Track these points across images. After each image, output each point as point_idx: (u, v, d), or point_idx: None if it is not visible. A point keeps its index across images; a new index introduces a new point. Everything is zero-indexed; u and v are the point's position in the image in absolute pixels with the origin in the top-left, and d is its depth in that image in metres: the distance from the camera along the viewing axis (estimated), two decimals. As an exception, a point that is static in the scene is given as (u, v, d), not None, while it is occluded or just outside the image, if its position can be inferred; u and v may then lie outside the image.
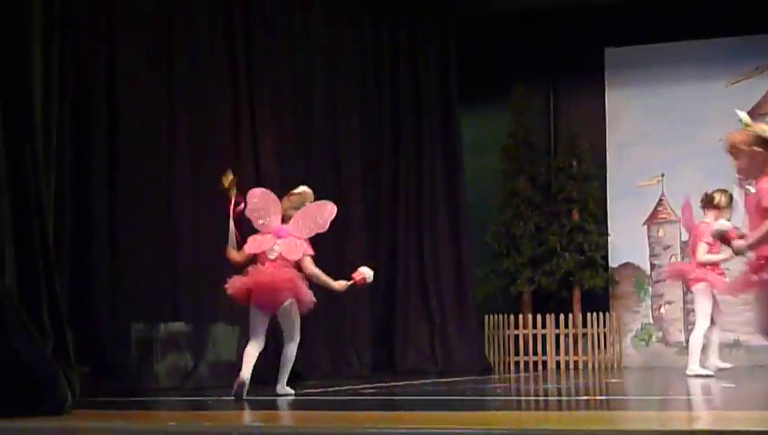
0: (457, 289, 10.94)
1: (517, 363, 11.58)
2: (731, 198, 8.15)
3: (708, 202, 8.61)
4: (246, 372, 6.39)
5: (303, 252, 6.68)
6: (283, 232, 6.62)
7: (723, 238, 5.38)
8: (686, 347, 11.48)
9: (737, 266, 6.28)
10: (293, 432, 4.24)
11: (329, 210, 6.82)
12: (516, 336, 11.68)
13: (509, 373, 10.74)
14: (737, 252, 5.30)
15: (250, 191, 6.77)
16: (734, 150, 5.41)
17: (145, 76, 8.00)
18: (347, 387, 7.29)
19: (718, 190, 8.58)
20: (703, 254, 8.43)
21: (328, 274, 9.44)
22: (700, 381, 7.87)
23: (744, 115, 5.52)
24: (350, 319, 9.84)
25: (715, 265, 8.42)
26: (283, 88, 9.41)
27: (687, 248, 9.10)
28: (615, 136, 12.22)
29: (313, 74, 9.92)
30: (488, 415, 5.20)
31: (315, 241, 7.79)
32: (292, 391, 6.76)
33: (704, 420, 4.71)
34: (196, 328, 8.28)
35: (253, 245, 6.53)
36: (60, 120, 6.91)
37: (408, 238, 10.86)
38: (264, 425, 4.51)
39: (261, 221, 6.60)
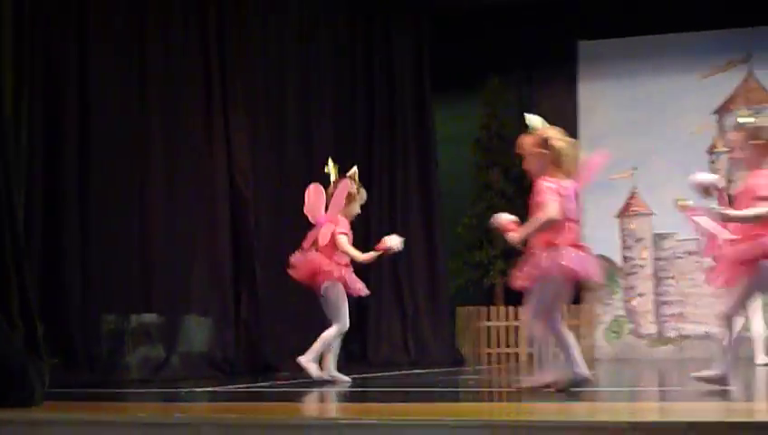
0: (430, 281, 10.96)
1: (489, 355, 11.59)
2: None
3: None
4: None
5: (332, 233, 7.07)
6: (320, 220, 7.19)
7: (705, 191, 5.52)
8: (659, 338, 11.61)
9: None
10: (264, 424, 4.22)
11: (341, 187, 7.26)
12: (489, 328, 11.69)
13: (481, 365, 10.75)
14: (512, 243, 5.69)
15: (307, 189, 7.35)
16: (522, 152, 5.88)
17: (117, 73, 7.98)
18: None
19: None
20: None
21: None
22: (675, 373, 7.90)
23: (533, 118, 5.92)
24: (322, 311, 9.81)
25: None
26: (256, 84, 9.39)
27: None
28: (588, 129, 12.23)
29: (287, 69, 9.90)
30: (459, 406, 5.21)
31: (291, 235, 7.84)
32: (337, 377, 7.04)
33: (674, 412, 4.74)
34: (169, 320, 8.26)
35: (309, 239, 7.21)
36: (30, 117, 6.90)
37: (382, 231, 10.81)
38: (235, 417, 4.50)
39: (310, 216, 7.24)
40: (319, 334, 7.25)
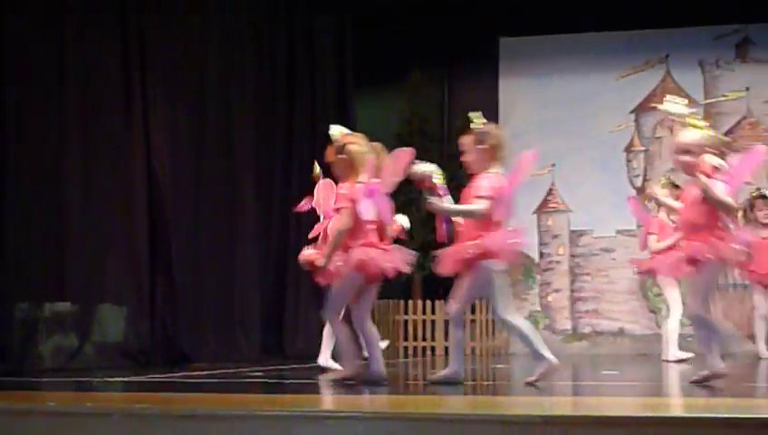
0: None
1: (406, 349, 11.63)
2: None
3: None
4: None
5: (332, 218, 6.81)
6: (329, 214, 7.03)
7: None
8: (573, 334, 11.76)
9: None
10: (177, 414, 4.18)
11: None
12: (406, 322, 11.73)
13: (398, 358, 10.78)
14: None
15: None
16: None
17: (34, 62, 7.82)
18: (234, 370, 7.24)
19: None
20: (654, 244, 9.11)
21: (219, 257, 9.41)
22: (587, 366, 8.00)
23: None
24: (239, 302, 9.78)
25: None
26: (176, 74, 9.28)
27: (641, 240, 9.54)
28: (508, 125, 12.29)
29: (208, 60, 9.81)
30: (373, 399, 5.21)
31: (209, 225, 7.78)
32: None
33: (586, 406, 4.79)
34: (83, 309, 8.15)
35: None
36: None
37: (301, 223, 10.80)
38: (146, 406, 4.45)
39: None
40: (243, 324, 7.28)
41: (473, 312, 11.70)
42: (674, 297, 9.19)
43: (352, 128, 11.40)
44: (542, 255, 12.07)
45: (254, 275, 9.96)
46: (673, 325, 9.14)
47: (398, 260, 6.03)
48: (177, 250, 8.94)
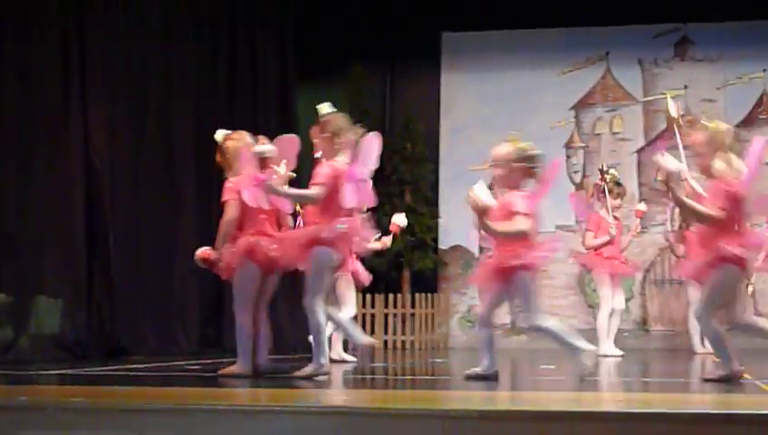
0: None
1: (345, 342, 11.60)
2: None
3: (600, 191, 9.54)
4: None
5: None
6: None
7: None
8: (513, 328, 11.81)
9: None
10: (111, 407, 4.15)
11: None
12: (346, 315, 11.71)
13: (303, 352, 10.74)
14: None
15: None
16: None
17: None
18: (171, 363, 7.19)
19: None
20: (589, 241, 9.41)
21: (157, 251, 9.31)
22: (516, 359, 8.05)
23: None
24: (178, 296, 9.71)
25: (611, 244, 9.36)
26: (115, 66, 9.18)
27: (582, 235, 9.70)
28: (449, 120, 12.37)
29: (149, 52, 9.72)
30: (310, 392, 5.21)
31: (148, 219, 7.68)
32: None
33: (524, 401, 4.82)
34: (18, 300, 8.05)
35: None
36: None
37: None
38: (81, 400, 4.41)
39: None
40: (182, 317, 7.24)
41: (413, 306, 11.74)
42: (604, 293, 9.35)
43: (294, 121, 11.44)
44: (481, 249, 12.09)
45: (192, 269, 9.89)
46: (600, 319, 9.30)
47: (289, 248, 5.95)
48: (115, 243, 8.85)
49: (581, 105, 12.13)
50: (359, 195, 5.91)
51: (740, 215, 5.68)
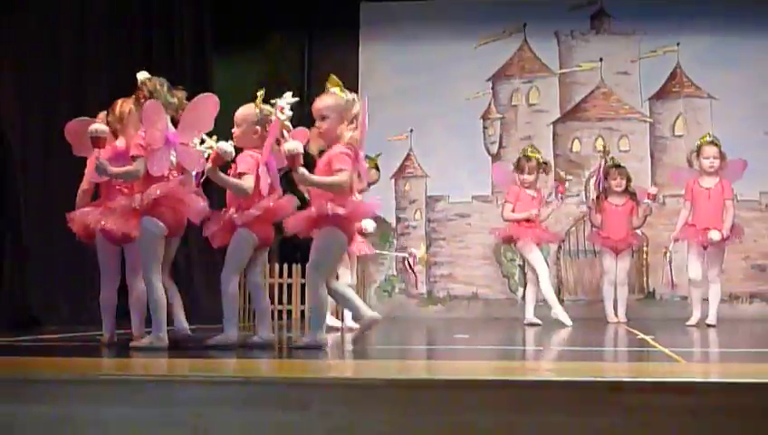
0: (205, 237, 10.81)
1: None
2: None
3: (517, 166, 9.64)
4: None
5: None
6: None
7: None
8: (429, 297, 11.88)
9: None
10: (20, 378, 4.10)
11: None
12: (263, 285, 11.66)
13: (253, 321, 10.71)
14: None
15: None
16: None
17: None
18: (84, 333, 7.11)
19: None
20: (507, 213, 9.55)
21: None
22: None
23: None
24: (92, 265, 9.57)
25: (530, 220, 9.45)
26: (27, 35, 9.01)
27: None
28: (367, 90, 12.31)
29: (61, 21, 9.55)
30: (230, 362, 5.19)
31: (61, 187, 7.54)
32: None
33: (441, 370, 4.85)
34: None
35: None
36: None
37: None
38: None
39: None
40: (79, 290, 7.16)
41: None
42: (536, 258, 9.43)
43: (210, 88, 11.31)
44: (398, 219, 12.16)
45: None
46: (544, 286, 9.36)
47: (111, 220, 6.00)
48: (26, 214, 8.70)
49: (498, 77, 12.18)
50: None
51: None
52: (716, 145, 9.17)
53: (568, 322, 9.11)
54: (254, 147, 5.99)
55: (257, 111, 6.12)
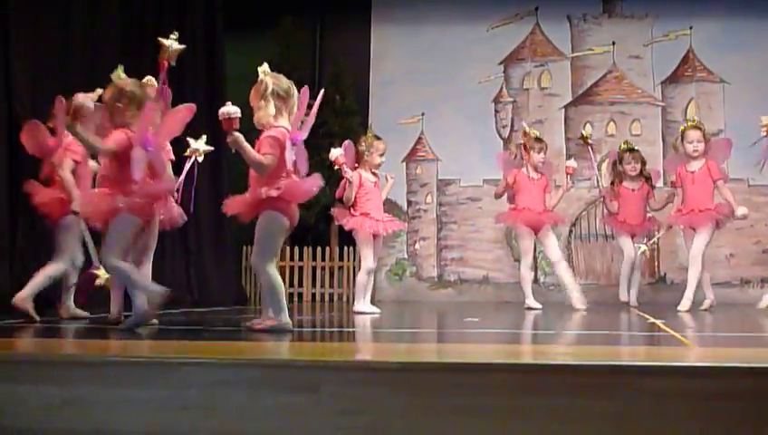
0: (215, 220, 10.83)
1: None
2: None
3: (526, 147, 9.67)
4: None
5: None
6: None
7: None
8: (439, 281, 11.88)
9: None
10: (38, 359, 4.12)
11: None
12: (274, 268, 11.68)
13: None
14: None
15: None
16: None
17: None
18: (95, 315, 7.13)
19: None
20: (551, 202, 9.69)
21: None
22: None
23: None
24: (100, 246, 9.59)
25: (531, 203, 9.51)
26: (40, 14, 9.00)
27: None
28: (379, 73, 12.34)
29: (74, 7, 9.54)
30: (240, 345, 5.20)
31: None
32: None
33: (451, 353, 4.86)
34: None
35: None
36: None
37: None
38: (5, 353, 4.37)
39: None
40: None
41: (340, 259, 11.76)
42: (526, 247, 9.45)
43: (222, 75, 11.32)
44: (409, 203, 12.16)
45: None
46: (522, 273, 9.45)
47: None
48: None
49: (510, 60, 12.16)
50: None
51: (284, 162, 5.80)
52: (699, 129, 9.17)
53: (537, 305, 9.23)
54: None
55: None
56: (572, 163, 9.96)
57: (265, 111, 5.87)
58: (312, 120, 6.14)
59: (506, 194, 9.67)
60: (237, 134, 5.67)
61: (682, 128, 9.35)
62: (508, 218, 9.66)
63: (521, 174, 9.51)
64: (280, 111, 5.91)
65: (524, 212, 9.41)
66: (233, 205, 5.95)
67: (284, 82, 6.01)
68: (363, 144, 8.81)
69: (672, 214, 9.30)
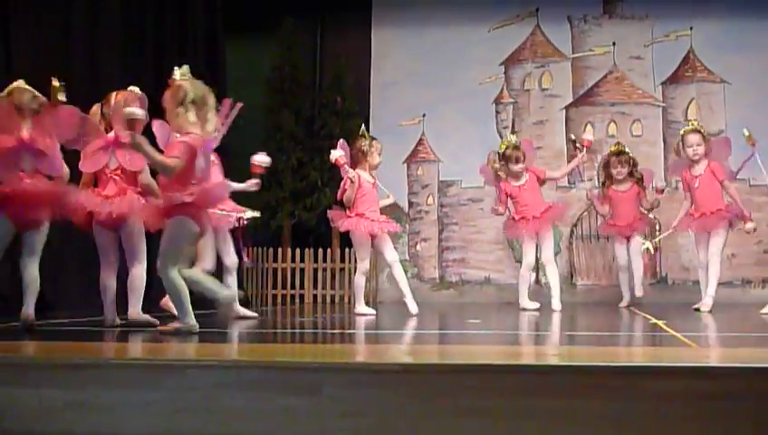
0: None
1: (275, 296, 11.62)
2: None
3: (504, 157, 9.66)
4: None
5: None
6: None
7: None
8: (441, 282, 11.87)
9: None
10: (33, 362, 4.11)
11: None
12: (275, 270, 11.71)
13: (266, 306, 10.76)
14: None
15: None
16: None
17: None
18: (96, 318, 7.12)
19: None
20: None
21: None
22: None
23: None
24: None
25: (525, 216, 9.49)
26: (41, 15, 9.00)
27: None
28: (380, 75, 12.34)
29: (73, 3, 9.54)
30: (240, 347, 5.20)
31: (73, 169, 7.57)
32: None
33: (453, 354, 4.85)
34: None
35: None
36: None
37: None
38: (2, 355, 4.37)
39: None
40: (90, 275, 7.23)
41: (342, 260, 11.76)
42: (528, 248, 9.46)
43: (223, 76, 11.33)
44: (411, 204, 12.16)
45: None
46: (523, 272, 9.47)
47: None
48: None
49: (511, 61, 12.16)
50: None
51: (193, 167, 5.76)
52: (698, 131, 9.17)
53: (531, 305, 9.21)
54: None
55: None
56: (590, 136, 9.92)
57: (185, 119, 5.80)
58: (224, 130, 6.19)
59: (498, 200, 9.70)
60: (140, 137, 5.63)
61: (681, 132, 9.34)
62: (513, 231, 9.70)
63: (508, 186, 9.52)
64: (196, 118, 5.85)
65: (524, 223, 9.43)
66: (146, 213, 6.05)
67: (201, 89, 5.93)
68: (363, 144, 8.77)
69: (683, 219, 9.25)
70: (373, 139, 8.90)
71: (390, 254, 8.79)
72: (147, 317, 6.67)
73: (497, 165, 9.62)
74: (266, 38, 12.14)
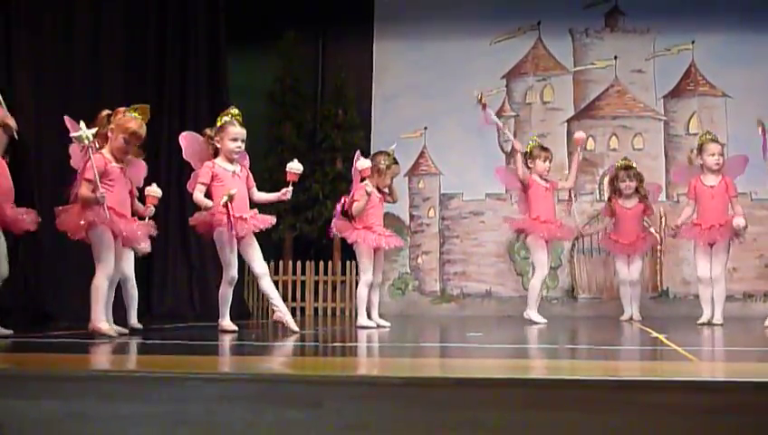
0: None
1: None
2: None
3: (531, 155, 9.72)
4: None
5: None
6: None
7: None
8: (442, 295, 11.87)
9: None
10: (33, 374, 4.10)
11: None
12: (276, 282, 11.66)
13: (266, 319, 10.74)
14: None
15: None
16: None
17: None
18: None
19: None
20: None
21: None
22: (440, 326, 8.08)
23: None
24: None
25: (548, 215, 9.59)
26: (42, 30, 9.02)
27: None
28: (381, 87, 12.35)
29: (76, 17, 9.56)
30: (237, 360, 5.19)
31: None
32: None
33: (454, 368, 4.84)
34: None
35: None
36: None
37: (170, 182, 10.67)
38: (8, 366, 4.36)
39: None
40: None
41: (343, 273, 11.74)
42: (539, 258, 9.45)
43: (224, 89, 11.34)
44: (412, 217, 12.16)
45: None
46: (534, 284, 9.43)
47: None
48: (41, 206, 8.70)
49: (513, 74, 12.18)
50: None
51: None
52: (719, 142, 9.17)
53: (541, 320, 9.18)
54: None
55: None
56: (581, 134, 9.93)
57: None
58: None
59: (518, 202, 9.69)
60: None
61: (701, 140, 9.27)
62: (530, 228, 9.54)
63: (534, 181, 9.52)
64: None
65: (546, 225, 9.40)
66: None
67: None
68: (383, 163, 8.69)
69: (688, 227, 9.19)
70: (395, 162, 8.84)
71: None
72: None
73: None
74: (268, 51, 12.17)
